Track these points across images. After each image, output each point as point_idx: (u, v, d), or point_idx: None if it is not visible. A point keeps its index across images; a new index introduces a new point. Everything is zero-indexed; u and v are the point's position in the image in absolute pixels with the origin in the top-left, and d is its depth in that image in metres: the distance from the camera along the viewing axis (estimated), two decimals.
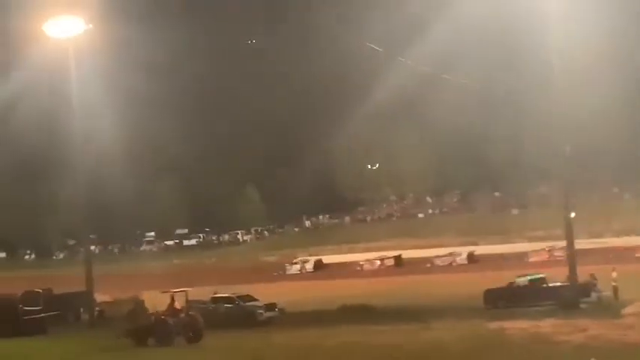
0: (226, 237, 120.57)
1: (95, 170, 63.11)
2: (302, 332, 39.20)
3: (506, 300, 43.66)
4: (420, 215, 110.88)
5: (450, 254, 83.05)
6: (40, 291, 57.45)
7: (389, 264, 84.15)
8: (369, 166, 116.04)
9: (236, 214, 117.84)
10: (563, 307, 40.05)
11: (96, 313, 54.62)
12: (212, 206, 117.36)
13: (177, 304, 38.80)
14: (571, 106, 44.56)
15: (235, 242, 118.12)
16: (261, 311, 46.74)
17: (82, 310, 55.55)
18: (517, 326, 35.00)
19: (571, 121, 45.19)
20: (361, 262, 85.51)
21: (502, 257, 76.49)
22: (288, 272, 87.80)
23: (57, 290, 59.76)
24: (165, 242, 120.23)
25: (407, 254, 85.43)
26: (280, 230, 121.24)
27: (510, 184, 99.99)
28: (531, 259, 74.87)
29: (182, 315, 38.49)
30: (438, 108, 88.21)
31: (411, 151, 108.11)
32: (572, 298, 41.08)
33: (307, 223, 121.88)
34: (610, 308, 38.68)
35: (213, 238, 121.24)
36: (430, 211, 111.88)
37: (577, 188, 68.08)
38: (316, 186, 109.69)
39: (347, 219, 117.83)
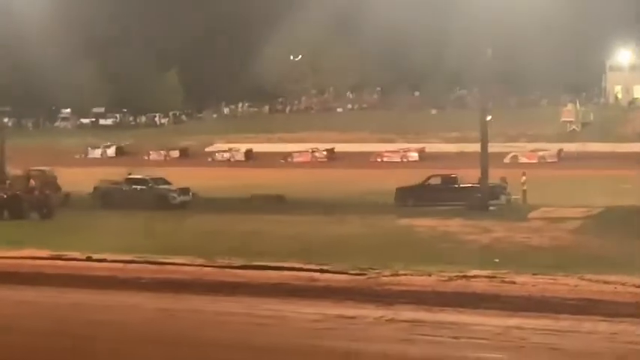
0: (143, 119, 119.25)
1: (14, 44, 61.59)
2: (213, 217, 39.39)
3: (416, 198, 44.01)
4: (339, 110, 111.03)
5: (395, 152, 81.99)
6: None
7: (320, 157, 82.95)
8: (292, 57, 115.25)
9: (154, 97, 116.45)
10: (472, 208, 40.66)
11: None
12: (131, 87, 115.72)
13: (32, 182, 42.53)
14: (495, 10, 44.42)
15: (152, 125, 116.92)
16: (174, 195, 46.62)
17: None
18: (426, 224, 35.55)
19: (494, 25, 45.29)
20: (294, 153, 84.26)
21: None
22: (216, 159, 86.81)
23: None
24: (81, 120, 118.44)
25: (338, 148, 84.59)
26: (199, 115, 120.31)
27: (430, 85, 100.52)
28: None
29: (36, 193, 41.59)
30: (365, 7, 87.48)
31: (334, 45, 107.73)
32: (481, 200, 41.71)
33: (226, 110, 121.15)
34: (518, 211, 39.42)
35: (130, 119, 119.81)
36: (349, 106, 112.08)
37: (496, 92, 69.05)
38: (237, 73, 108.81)
39: (266, 108, 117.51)
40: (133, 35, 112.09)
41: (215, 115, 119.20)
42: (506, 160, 68.42)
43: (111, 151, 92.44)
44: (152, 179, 48.14)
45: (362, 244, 29.95)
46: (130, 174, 49.54)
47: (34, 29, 69.98)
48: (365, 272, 23.74)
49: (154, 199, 45.83)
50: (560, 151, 75.89)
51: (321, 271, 23.92)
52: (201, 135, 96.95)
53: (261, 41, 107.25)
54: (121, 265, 25.25)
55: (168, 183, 48.10)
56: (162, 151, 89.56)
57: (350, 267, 24.32)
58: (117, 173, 51.05)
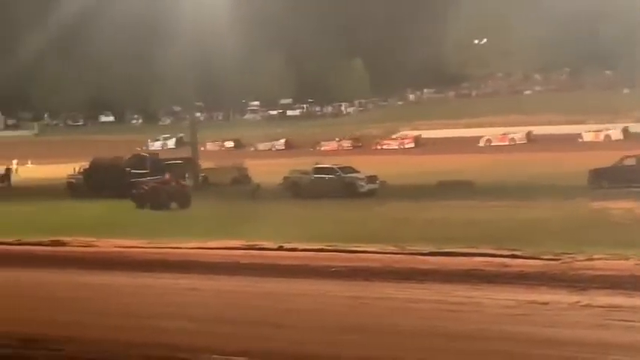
0: (329, 108, 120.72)
1: (204, 39, 63.40)
2: (401, 204, 39.40)
3: (611, 180, 42.74)
4: (527, 92, 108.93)
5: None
6: (147, 155, 58.80)
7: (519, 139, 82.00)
8: (477, 41, 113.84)
9: (340, 86, 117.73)
10: None
11: (200, 178, 55.72)
12: (317, 77, 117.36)
13: (168, 175, 45.41)
14: None
15: (338, 114, 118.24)
16: (362, 183, 47.00)
17: (186, 175, 56.66)
18: (622, 206, 34.34)
19: None
20: (487, 137, 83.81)
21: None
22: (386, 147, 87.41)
23: (163, 155, 61.15)
24: (269, 111, 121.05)
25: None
26: (384, 103, 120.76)
27: (623, 62, 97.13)
28: None
29: (173, 184, 44.46)
30: None
31: (521, 25, 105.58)
32: None
33: (411, 97, 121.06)
34: None
35: (317, 109, 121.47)
36: (537, 88, 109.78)
37: None
38: (422, 60, 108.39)
39: (451, 94, 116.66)
40: (318, 24, 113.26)
41: (400, 102, 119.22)
42: None
43: (279, 144, 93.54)
44: (340, 168, 48.64)
45: (554, 228, 29.25)
46: (317, 163, 50.24)
47: (223, 22, 71.69)
48: (558, 257, 23.09)
49: (342, 187, 46.35)
50: None
51: (513, 256, 23.44)
52: (387, 123, 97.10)
53: (444, 26, 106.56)
54: (311, 253, 25.52)
55: (355, 171, 48.49)
56: (336, 141, 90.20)
57: (542, 252, 23.73)
58: (291, 164, 52.25)
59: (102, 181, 50.52)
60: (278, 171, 51.51)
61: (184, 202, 43.10)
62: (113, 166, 53.20)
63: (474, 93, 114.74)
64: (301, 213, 38.20)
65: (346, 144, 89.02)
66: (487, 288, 19.59)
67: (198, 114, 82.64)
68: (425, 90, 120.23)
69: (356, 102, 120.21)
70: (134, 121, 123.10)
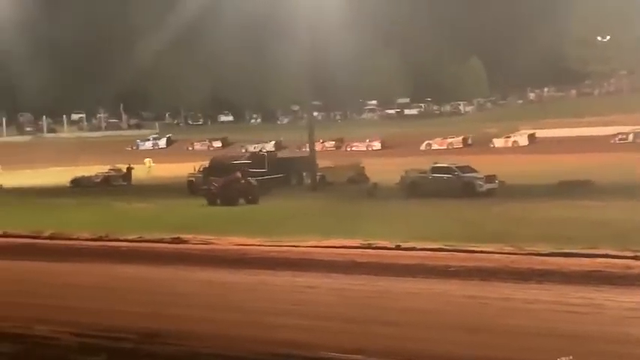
0: (447, 107, 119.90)
1: (321, 38, 63.85)
2: (519, 204, 38.95)
3: None
4: None
5: None
6: (265, 154, 59.54)
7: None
8: (600, 38, 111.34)
9: (459, 85, 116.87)
10: None
11: (318, 177, 56.11)
12: (435, 76, 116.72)
13: (238, 173, 47.10)
14: None
15: (457, 113, 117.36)
16: (480, 182, 46.64)
17: (304, 174, 57.17)
18: None
19: None
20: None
21: None
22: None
23: (281, 154, 61.76)
24: (387, 111, 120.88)
25: None
26: (502, 102, 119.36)
27: None
28: None
29: (242, 181, 46.61)
30: None
31: None
32: None
33: (531, 96, 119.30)
34: None
35: (435, 108, 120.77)
36: None
37: None
38: (542, 58, 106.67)
39: (572, 92, 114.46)
40: (436, 22, 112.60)
41: (520, 101, 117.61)
42: None
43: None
44: (458, 167, 48.39)
45: None
46: (435, 163, 50.05)
47: (341, 20, 72.10)
48: None
49: (461, 187, 46.11)
50: None
51: (636, 257, 22.89)
52: (505, 121, 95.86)
53: (566, 23, 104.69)
54: (429, 253, 25.42)
55: (474, 171, 48.15)
56: (448, 139, 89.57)
57: None
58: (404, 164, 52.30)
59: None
60: (394, 170, 51.48)
61: (253, 199, 45.60)
62: (232, 165, 54.02)
63: (596, 91, 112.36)
64: (419, 212, 38.10)
65: (457, 143, 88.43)
66: (608, 290, 19.17)
67: (315, 113, 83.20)
68: (545, 88, 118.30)
69: (474, 101, 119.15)
70: (253, 121, 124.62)
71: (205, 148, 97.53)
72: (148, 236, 31.04)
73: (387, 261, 24.43)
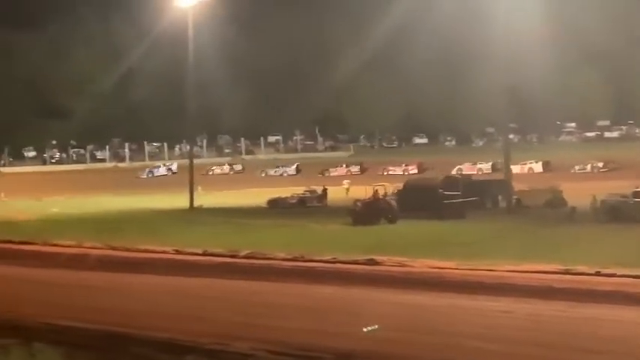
0: None
1: (516, 59, 62.87)
2: None
3: None
4: None
5: None
6: (460, 177, 59.03)
7: None
8: None
9: None
10: None
11: (513, 200, 55.11)
12: (637, 97, 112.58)
13: (378, 193, 50.44)
14: None
15: None
16: None
17: (499, 197, 56.28)
18: None
19: None
20: None
21: None
22: None
23: (476, 177, 61.11)
24: (586, 133, 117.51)
25: None
26: None
27: None
28: None
29: (382, 202, 49.40)
30: None
31: None
32: None
33: None
34: None
35: (637, 131, 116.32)
36: None
37: None
38: None
39: None
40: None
41: None
42: None
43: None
44: None
45: None
46: (637, 187, 48.15)
47: (536, 41, 70.90)
48: None
49: None
50: None
51: None
52: None
53: None
54: (630, 280, 24.49)
55: None
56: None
57: None
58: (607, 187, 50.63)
59: (415, 202, 51.15)
60: (590, 194, 49.86)
61: (392, 219, 47.41)
62: (427, 188, 53.88)
63: None
64: (619, 237, 36.75)
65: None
66: None
67: (511, 136, 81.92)
68: None
69: None
70: (447, 143, 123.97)
71: (401, 172, 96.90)
72: (342, 257, 31.26)
73: (586, 287, 23.66)
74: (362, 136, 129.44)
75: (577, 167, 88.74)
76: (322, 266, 30.02)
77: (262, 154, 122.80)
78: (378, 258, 30.38)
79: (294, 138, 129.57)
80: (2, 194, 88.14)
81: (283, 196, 66.83)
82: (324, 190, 67.31)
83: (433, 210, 48.95)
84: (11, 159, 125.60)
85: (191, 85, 73.17)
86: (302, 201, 65.56)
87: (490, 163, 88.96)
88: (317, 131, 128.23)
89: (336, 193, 67.92)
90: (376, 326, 14.52)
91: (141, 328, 19.31)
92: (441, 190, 52.24)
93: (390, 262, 29.92)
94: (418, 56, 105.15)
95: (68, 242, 39.62)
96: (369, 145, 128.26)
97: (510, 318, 19.86)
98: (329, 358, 16.02)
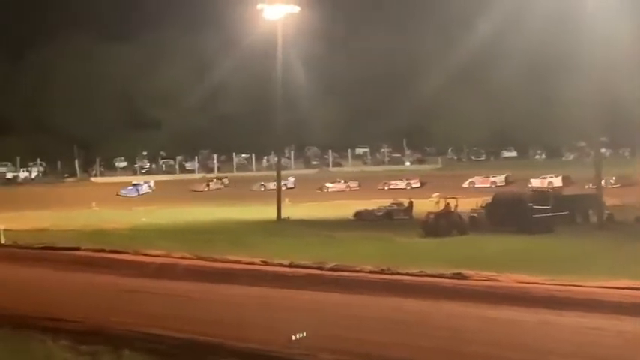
0: None
1: (609, 71, 61.85)
2: None
3: None
4: None
5: None
6: (550, 190, 58.30)
7: None
8: None
9: None
10: None
11: (605, 216, 54.16)
12: None
13: (450, 205, 52.74)
14: None
15: None
16: None
17: (590, 212, 55.39)
18: None
19: None
20: None
21: None
22: None
23: (567, 191, 60.19)
24: None
25: None
26: None
27: None
28: None
29: (453, 215, 51.85)
30: None
31: None
32: None
33: None
34: None
35: None
36: None
37: None
38: None
39: None
40: None
41: None
42: None
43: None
44: None
45: None
46: None
47: (629, 55, 69.57)
48: None
49: None
50: None
51: None
52: None
53: None
54: None
55: None
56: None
57: None
58: None
59: (503, 216, 50.75)
60: None
61: (463, 231, 49.63)
62: (516, 201, 53.36)
63: None
64: None
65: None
66: None
67: (603, 150, 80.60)
68: None
69: None
70: (537, 157, 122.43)
71: (487, 185, 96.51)
72: (429, 271, 31.06)
73: None
74: (450, 149, 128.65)
75: None
76: (409, 279, 29.83)
77: (349, 167, 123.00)
78: (466, 272, 30.08)
79: (382, 150, 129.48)
80: (94, 204, 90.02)
81: (370, 208, 66.90)
82: (410, 203, 67.07)
83: (522, 224, 48.44)
84: (102, 169, 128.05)
85: (279, 97, 73.68)
86: (389, 214, 65.51)
87: (560, 177, 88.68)
88: (404, 144, 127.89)
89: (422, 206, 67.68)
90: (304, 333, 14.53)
91: (228, 337, 19.46)
92: (530, 204, 51.67)
93: (478, 276, 29.60)
94: (508, 69, 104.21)
95: (157, 252, 40.13)
96: (456, 158, 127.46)
97: (600, 335, 19.50)
98: None
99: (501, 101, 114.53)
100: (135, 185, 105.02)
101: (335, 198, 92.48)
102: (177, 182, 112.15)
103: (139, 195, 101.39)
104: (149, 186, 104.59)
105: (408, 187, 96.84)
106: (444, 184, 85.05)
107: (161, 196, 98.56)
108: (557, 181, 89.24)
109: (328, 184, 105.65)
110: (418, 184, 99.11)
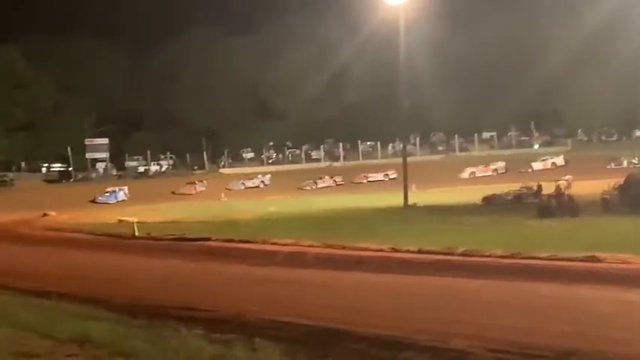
0: None
1: None
2: None
3: None
4: None
5: None
6: None
7: None
8: None
9: None
10: None
11: None
12: None
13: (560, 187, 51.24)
14: None
15: None
16: None
17: None
18: None
19: None
20: None
21: None
22: None
23: None
24: None
25: None
26: None
27: None
28: None
29: (563, 196, 50.41)
30: None
31: None
32: None
33: None
34: None
35: None
36: None
37: None
38: None
39: None
40: None
41: None
42: None
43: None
44: None
45: None
46: None
47: None
48: None
49: None
50: None
51: None
52: None
53: None
54: None
55: None
56: None
57: None
58: None
59: (637, 197, 49.24)
60: None
61: (574, 213, 48.05)
62: None
63: None
64: None
65: None
66: None
67: None
68: None
69: None
70: None
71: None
72: (561, 254, 30.39)
73: None
74: (579, 130, 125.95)
75: None
76: (540, 263, 29.26)
77: (476, 151, 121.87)
78: (599, 255, 29.31)
79: (509, 134, 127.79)
80: (222, 194, 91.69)
81: (498, 192, 66.12)
82: (539, 187, 65.86)
83: None
84: (230, 160, 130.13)
85: (403, 83, 73.37)
86: (518, 197, 64.53)
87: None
88: (532, 126, 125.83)
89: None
90: None
91: (357, 324, 19.43)
92: None
93: (613, 259, 28.81)
94: (636, 44, 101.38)
95: (286, 241, 40.48)
96: (586, 139, 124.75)
97: None
98: (549, 355, 15.60)
99: (631, 81, 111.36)
100: (112, 192, 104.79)
101: (464, 184, 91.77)
102: (303, 172, 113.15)
103: (117, 201, 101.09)
104: (124, 193, 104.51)
105: (553, 167, 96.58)
106: (587, 166, 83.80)
107: (281, 187, 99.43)
108: (560, 160, 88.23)
109: (468, 169, 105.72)
110: (563, 163, 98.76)
